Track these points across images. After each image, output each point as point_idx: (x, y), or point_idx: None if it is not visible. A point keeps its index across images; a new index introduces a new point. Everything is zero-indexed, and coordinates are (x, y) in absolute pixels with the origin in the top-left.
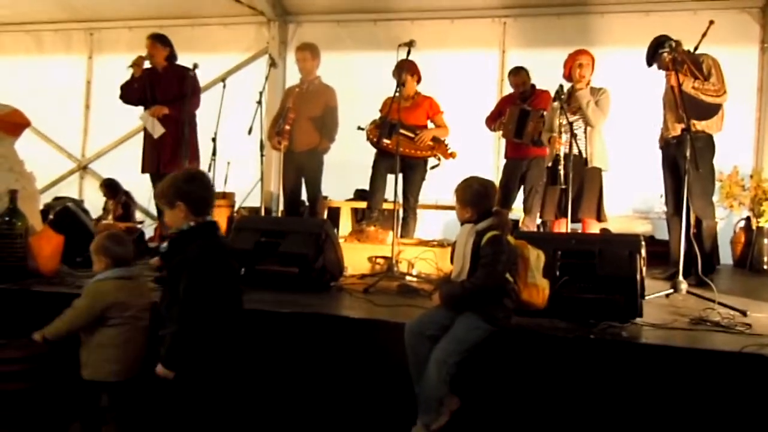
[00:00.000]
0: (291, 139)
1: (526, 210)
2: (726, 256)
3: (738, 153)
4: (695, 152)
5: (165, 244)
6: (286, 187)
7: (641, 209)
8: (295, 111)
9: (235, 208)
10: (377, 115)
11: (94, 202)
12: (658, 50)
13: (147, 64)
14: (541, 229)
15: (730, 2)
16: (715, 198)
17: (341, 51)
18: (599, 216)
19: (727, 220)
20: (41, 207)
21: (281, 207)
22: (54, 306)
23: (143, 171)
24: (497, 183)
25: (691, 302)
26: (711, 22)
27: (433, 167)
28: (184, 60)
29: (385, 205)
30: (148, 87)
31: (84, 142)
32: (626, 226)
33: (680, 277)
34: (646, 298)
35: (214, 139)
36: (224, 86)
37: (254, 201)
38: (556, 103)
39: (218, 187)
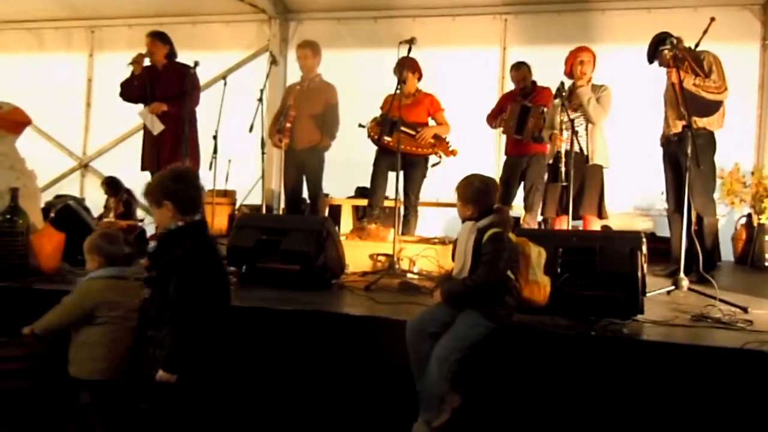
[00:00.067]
0: (292, 137)
1: (527, 207)
2: (727, 253)
3: (739, 150)
4: (696, 149)
5: (153, 244)
6: (287, 185)
7: (642, 206)
8: (296, 109)
9: (237, 206)
10: (378, 113)
11: (96, 200)
12: (659, 47)
13: (147, 62)
14: (543, 227)
15: None
16: (716, 195)
17: (342, 48)
18: (600, 213)
19: (728, 217)
20: (42, 205)
21: (282, 205)
22: (55, 304)
23: (143, 168)
24: (498, 180)
25: (692, 299)
26: (712, 19)
27: (434, 165)
28: (185, 58)
29: (386, 203)
30: (148, 84)
31: (85, 140)
32: (627, 223)
33: (681, 274)
34: (647, 295)
35: (215, 137)
36: (225, 84)
37: (255, 199)
38: (557, 100)
39: (219, 185)
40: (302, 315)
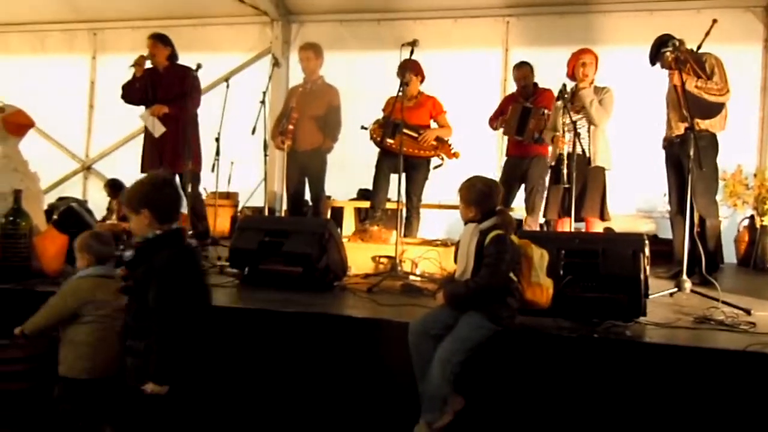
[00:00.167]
0: (294, 139)
1: (529, 209)
2: (730, 255)
3: (741, 152)
4: (698, 151)
5: (129, 253)
6: (289, 187)
7: (645, 208)
8: (299, 111)
9: (239, 208)
10: (380, 115)
11: (98, 202)
12: (661, 49)
13: (148, 64)
14: (545, 229)
15: (733, 1)
16: (718, 197)
17: (344, 51)
18: (602, 215)
19: (730, 219)
20: (45, 207)
21: (285, 207)
22: None
23: (143, 170)
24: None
25: (695, 301)
26: (714, 21)
27: (436, 167)
28: (187, 60)
29: (389, 205)
30: (149, 87)
31: (88, 142)
32: (630, 226)
33: (684, 276)
34: (650, 297)
35: (217, 139)
36: (228, 86)
37: (258, 201)
38: (559, 102)
39: (222, 187)
40: (305, 317)
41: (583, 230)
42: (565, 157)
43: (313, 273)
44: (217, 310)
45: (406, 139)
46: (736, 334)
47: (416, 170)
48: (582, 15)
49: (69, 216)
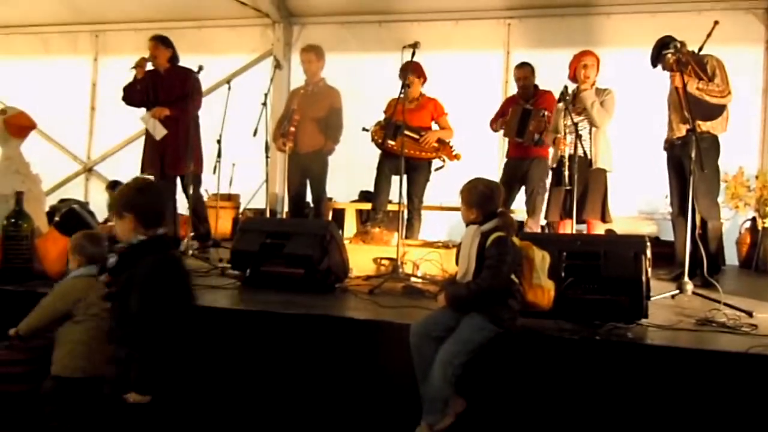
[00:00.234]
0: (296, 141)
1: (529, 211)
2: (731, 257)
3: (743, 153)
4: (700, 153)
5: (113, 259)
6: (290, 189)
7: (646, 210)
8: (300, 113)
9: (240, 210)
10: (382, 117)
11: (100, 204)
12: (663, 51)
13: (150, 66)
14: (546, 231)
15: (734, 3)
16: (720, 199)
17: (346, 52)
18: (604, 217)
19: (732, 221)
20: (47, 209)
21: (286, 208)
22: None
23: (142, 172)
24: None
25: (697, 303)
26: (716, 23)
27: (437, 169)
28: (189, 62)
29: (390, 207)
30: (150, 88)
31: (89, 144)
32: (631, 227)
33: (686, 278)
34: (652, 299)
35: (219, 141)
36: (229, 88)
37: (259, 203)
38: (560, 104)
39: (223, 189)
40: (306, 319)
41: (585, 232)
42: (567, 159)
43: (314, 275)
44: (218, 312)
45: (407, 141)
46: (737, 336)
47: (417, 172)
48: (583, 17)
49: (71, 218)
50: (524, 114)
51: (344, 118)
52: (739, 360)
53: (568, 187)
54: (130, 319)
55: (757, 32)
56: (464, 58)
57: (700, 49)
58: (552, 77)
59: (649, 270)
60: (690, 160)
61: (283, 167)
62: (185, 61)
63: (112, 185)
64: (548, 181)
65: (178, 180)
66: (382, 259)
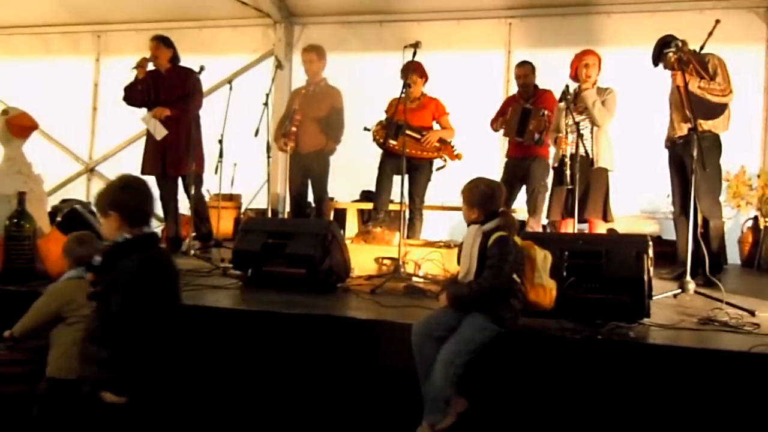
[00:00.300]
0: (297, 141)
1: (530, 211)
2: (733, 256)
3: (745, 152)
4: (702, 152)
5: (98, 258)
6: (292, 189)
7: (648, 209)
8: (302, 112)
9: (242, 210)
10: (383, 116)
11: None
12: (664, 50)
13: (151, 66)
14: (548, 230)
15: (736, 1)
16: (722, 198)
17: (347, 52)
18: (606, 216)
19: (734, 220)
20: (49, 209)
21: (288, 208)
22: None
23: (143, 172)
24: None
25: (699, 302)
26: (717, 22)
27: (438, 169)
28: (190, 62)
29: (392, 206)
30: (151, 89)
31: (91, 144)
32: (633, 227)
33: (688, 277)
34: (654, 298)
35: (220, 141)
36: (231, 88)
37: (261, 203)
38: (562, 104)
39: (225, 189)
40: (308, 319)
41: (587, 231)
42: (568, 159)
43: (316, 275)
44: (220, 312)
45: (408, 141)
46: (740, 335)
47: (419, 172)
48: (584, 16)
49: (73, 218)
50: (524, 113)
51: (345, 118)
52: (741, 359)
53: (569, 187)
54: (112, 318)
55: (758, 31)
56: (465, 58)
57: (702, 48)
58: (553, 76)
59: (651, 269)
60: (692, 159)
61: (285, 167)
62: (186, 61)
63: None
64: (549, 181)
65: (180, 180)
66: (383, 258)
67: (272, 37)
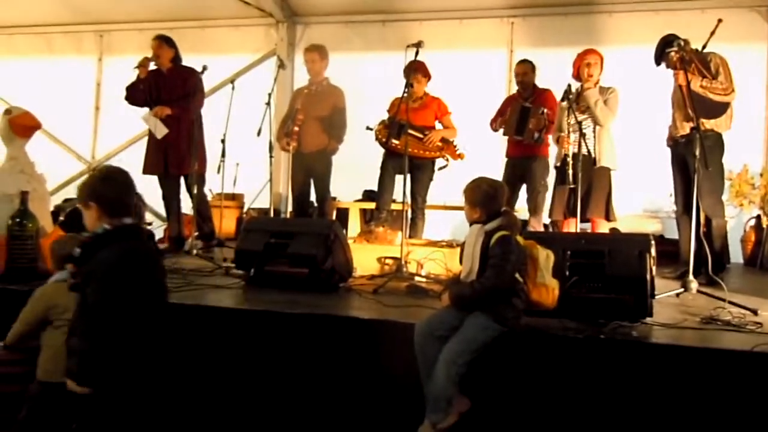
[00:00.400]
0: (299, 141)
1: (531, 210)
2: (736, 255)
3: (747, 151)
4: (704, 151)
5: (77, 249)
6: (294, 189)
7: (650, 208)
8: (304, 112)
9: (245, 210)
10: (385, 116)
11: None
12: (666, 49)
13: (152, 66)
14: (550, 229)
15: (738, 1)
16: (724, 197)
17: (349, 52)
18: (608, 215)
19: (737, 219)
20: (52, 208)
21: (290, 208)
22: None
23: (145, 172)
24: None
25: (702, 301)
26: (719, 21)
27: (441, 168)
28: (193, 62)
29: (394, 206)
30: (153, 88)
31: (94, 144)
32: (636, 226)
33: (690, 276)
34: (656, 297)
35: (223, 141)
36: (233, 88)
37: (263, 202)
38: (564, 103)
39: (227, 189)
40: (310, 318)
41: (589, 231)
42: (571, 158)
43: (318, 274)
44: (222, 311)
45: (411, 140)
46: (742, 334)
47: (421, 171)
48: (586, 15)
49: (75, 217)
50: (523, 112)
51: (348, 118)
52: (744, 358)
53: (572, 186)
54: (89, 310)
55: (760, 30)
56: (467, 57)
57: (704, 47)
58: (555, 76)
59: (654, 268)
60: (694, 158)
61: (287, 167)
62: (189, 60)
63: None
64: (550, 180)
65: (182, 179)
66: (386, 258)
67: (275, 36)
